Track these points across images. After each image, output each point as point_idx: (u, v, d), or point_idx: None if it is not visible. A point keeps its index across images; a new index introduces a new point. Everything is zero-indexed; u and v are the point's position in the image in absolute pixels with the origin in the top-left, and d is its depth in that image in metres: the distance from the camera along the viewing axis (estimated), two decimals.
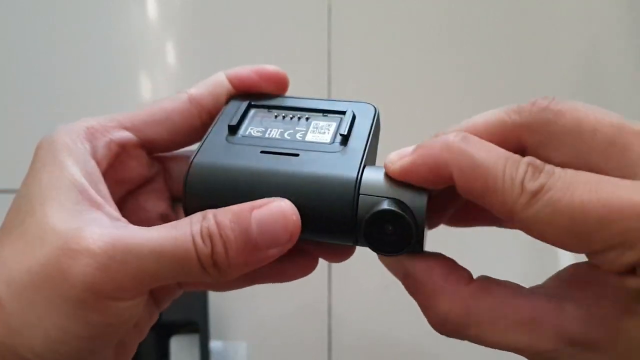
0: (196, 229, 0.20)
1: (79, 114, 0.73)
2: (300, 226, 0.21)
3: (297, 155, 0.22)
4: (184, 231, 0.20)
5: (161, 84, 0.69)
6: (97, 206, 0.21)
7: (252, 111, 0.25)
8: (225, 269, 0.20)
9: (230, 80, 0.25)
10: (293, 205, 0.21)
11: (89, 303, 0.19)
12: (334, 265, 0.59)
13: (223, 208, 0.21)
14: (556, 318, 0.19)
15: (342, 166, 0.22)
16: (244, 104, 0.25)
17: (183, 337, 0.52)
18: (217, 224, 0.20)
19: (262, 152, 0.23)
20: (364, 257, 0.66)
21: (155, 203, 0.26)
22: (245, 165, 0.22)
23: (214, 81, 0.25)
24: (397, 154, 0.22)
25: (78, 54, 0.70)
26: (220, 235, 0.20)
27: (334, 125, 0.24)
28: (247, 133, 0.24)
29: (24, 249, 0.20)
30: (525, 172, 0.19)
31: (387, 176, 0.22)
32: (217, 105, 0.25)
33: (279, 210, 0.20)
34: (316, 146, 0.23)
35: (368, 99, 0.25)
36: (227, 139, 0.23)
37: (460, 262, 0.22)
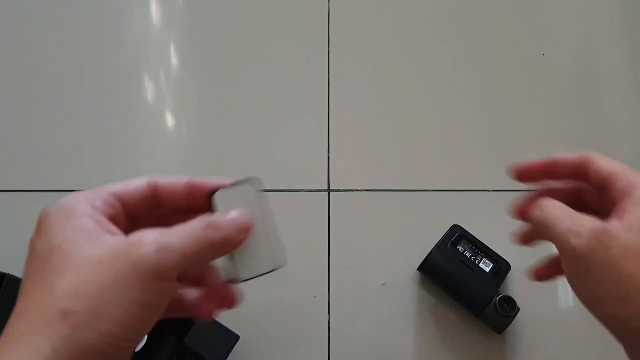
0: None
1: (81, 116, 0.73)
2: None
3: (472, 270, 0.57)
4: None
5: (164, 86, 0.69)
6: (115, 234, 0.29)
7: (462, 240, 0.59)
8: None
9: None
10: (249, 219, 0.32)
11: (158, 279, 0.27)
12: (334, 262, 0.60)
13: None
14: None
15: (488, 285, 0.57)
16: (458, 234, 0.59)
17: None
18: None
19: (460, 261, 0.58)
20: (363, 258, 0.65)
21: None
22: (453, 266, 0.57)
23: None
24: None
25: (81, 56, 0.70)
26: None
27: (492, 265, 0.58)
28: (458, 247, 0.59)
29: (83, 272, 0.27)
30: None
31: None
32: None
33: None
34: (482, 271, 0.58)
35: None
36: (449, 247, 0.58)
37: None
